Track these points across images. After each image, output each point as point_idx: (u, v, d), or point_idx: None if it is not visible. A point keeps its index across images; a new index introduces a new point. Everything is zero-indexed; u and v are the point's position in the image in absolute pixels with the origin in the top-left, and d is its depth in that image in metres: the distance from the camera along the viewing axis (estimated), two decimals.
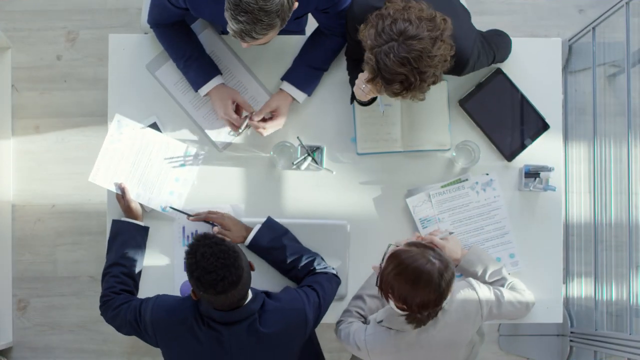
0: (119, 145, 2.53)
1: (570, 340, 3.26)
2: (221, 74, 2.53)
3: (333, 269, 2.47)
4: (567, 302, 3.26)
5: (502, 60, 2.54)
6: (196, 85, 2.51)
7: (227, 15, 2.10)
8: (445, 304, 2.19)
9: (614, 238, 3.14)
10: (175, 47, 2.50)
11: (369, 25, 2.13)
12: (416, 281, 2.07)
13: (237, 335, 2.22)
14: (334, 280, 2.43)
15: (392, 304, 2.15)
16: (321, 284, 2.36)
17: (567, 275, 3.25)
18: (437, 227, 2.55)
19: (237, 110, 2.53)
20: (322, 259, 2.48)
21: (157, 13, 2.44)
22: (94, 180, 2.51)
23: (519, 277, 2.55)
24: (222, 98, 2.50)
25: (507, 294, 2.38)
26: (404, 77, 2.07)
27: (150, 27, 2.52)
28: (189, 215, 2.51)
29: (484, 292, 2.32)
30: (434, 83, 2.14)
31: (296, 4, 2.16)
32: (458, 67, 2.28)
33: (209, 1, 2.30)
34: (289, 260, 2.43)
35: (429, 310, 2.13)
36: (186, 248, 2.11)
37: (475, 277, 2.47)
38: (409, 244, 2.17)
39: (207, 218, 2.49)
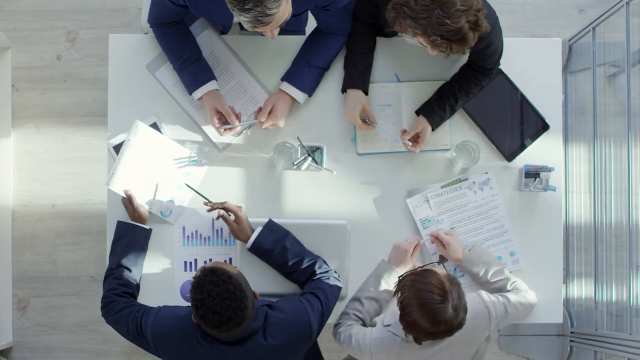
0: (134, 150, 2.53)
1: (570, 340, 3.26)
2: (216, 79, 2.53)
3: (335, 272, 2.47)
4: (567, 302, 3.26)
5: (493, 64, 2.51)
6: (190, 88, 2.51)
7: (235, 13, 2.08)
8: None
9: (614, 238, 3.14)
10: (173, 47, 2.50)
11: None
12: (421, 307, 2.07)
13: (241, 351, 2.21)
14: (337, 285, 2.42)
15: (397, 309, 2.15)
16: (324, 291, 2.35)
17: (567, 275, 3.25)
18: (438, 228, 2.55)
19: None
20: (324, 261, 2.47)
21: (157, 11, 2.43)
22: (111, 187, 2.50)
23: (520, 276, 2.55)
24: (208, 107, 2.50)
25: (514, 300, 2.38)
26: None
27: (150, 27, 2.51)
28: (206, 201, 2.49)
29: (494, 307, 2.32)
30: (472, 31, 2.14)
31: None
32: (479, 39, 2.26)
33: None
34: (290, 263, 2.43)
35: (415, 333, 2.13)
36: (192, 279, 2.10)
37: (477, 277, 2.47)
38: (449, 277, 2.13)
39: (225, 207, 2.45)
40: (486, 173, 2.58)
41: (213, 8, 2.32)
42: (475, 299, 2.30)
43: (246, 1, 2.02)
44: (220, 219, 2.46)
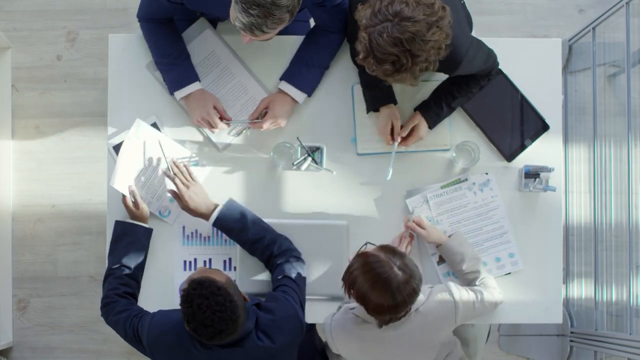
0: (135, 150, 2.52)
1: (570, 340, 3.26)
2: (200, 81, 2.52)
3: (295, 250, 2.46)
4: (567, 302, 3.27)
5: (488, 70, 2.48)
6: (175, 86, 2.50)
7: (236, 8, 2.09)
8: (420, 306, 2.21)
9: (614, 238, 3.15)
10: (164, 44, 2.49)
11: (367, 6, 2.11)
12: (374, 285, 2.09)
13: (238, 352, 2.21)
14: (300, 265, 2.43)
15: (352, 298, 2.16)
16: (293, 280, 2.37)
17: (567, 275, 3.26)
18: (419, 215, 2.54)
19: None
20: (286, 238, 2.47)
21: (148, 6, 2.44)
22: (115, 185, 2.49)
23: (519, 277, 2.55)
24: (204, 101, 2.49)
25: (481, 296, 2.38)
26: (396, 58, 2.05)
27: (139, 21, 2.50)
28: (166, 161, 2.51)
29: (461, 298, 2.31)
30: (426, 69, 2.12)
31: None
32: (451, 66, 2.28)
33: None
34: (251, 242, 2.43)
35: (386, 316, 2.14)
36: (181, 292, 2.10)
37: (452, 263, 2.47)
38: (381, 248, 2.17)
39: (174, 178, 2.47)
40: (486, 174, 2.58)
41: (210, 2, 2.33)
42: (442, 288, 2.32)
43: (254, 7, 2.05)
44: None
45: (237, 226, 2.44)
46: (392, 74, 2.10)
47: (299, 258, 2.44)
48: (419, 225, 2.49)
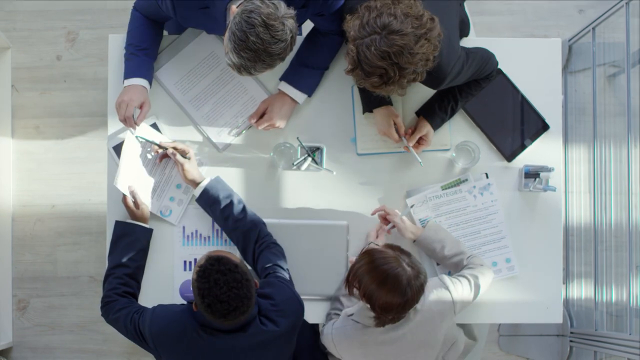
0: (135, 150, 2.52)
1: (570, 340, 3.26)
2: (150, 85, 2.50)
3: (270, 234, 2.48)
4: (567, 302, 3.27)
5: (487, 74, 2.49)
6: (126, 74, 2.48)
7: (228, 46, 2.11)
8: (418, 304, 2.21)
9: (614, 238, 3.15)
10: (135, 34, 2.48)
11: (355, 17, 2.12)
12: (383, 283, 2.10)
13: (242, 339, 2.22)
14: (280, 251, 2.45)
15: (356, 296, 2.16)
16: (280, 265, 2.39)
17: (567, 275, 3.26)
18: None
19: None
20: (263, 222, 2.49)
21: (144, 1, 2.45)
22: (116, 184, 2.47)
23: (519, 277, 2.55)
24: (139, 95, 2.45)
25: (474, 279, 2.38)
26: (384, 71, 2.07)
27: (132, 8, 2.51)
28: (157, 145, 2.49)
29: (457, 290, 2.32)
30: (414, 80, 2.14)
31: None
32: (435, 81, 2.29)
33: (198, 14, 2.32)
34: (234, 219, 2.45)
35: (392, 314, 2.15)
36: (197, 268, 2.11)
37: (434, 253, 2.47)
38: (387, 246, 2.18)
39: (175, 146, 2.47)
40: (486, 175, 2.58)
41: (203, 20, 2.34)
42: (437, 283, 2.32)
43: (246, 50, 2.08)
44: (165, 158, 2.47)
45: (225, 201, 2.45)
46: (379, 86, 2.11)
47: (276, 243, 2.47)
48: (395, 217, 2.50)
